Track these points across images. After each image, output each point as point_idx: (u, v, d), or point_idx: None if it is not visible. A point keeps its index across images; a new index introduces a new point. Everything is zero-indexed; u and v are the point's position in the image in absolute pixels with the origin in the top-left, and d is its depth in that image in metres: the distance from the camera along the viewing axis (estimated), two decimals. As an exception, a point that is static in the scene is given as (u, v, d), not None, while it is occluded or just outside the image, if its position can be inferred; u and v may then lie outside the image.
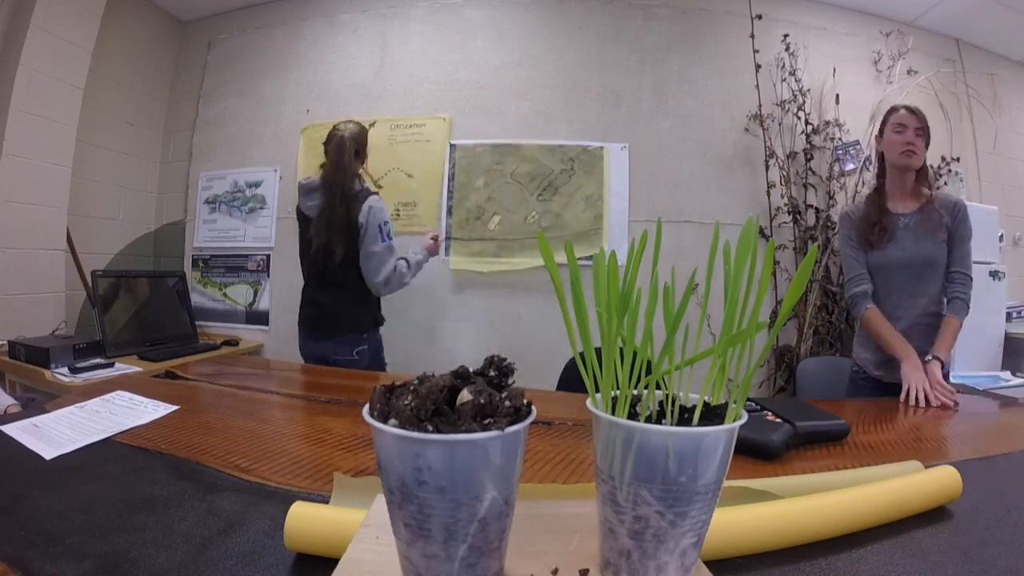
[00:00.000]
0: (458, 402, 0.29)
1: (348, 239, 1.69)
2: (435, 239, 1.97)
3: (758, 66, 2.40)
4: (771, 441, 0.67)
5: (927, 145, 1.41)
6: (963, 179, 2.67)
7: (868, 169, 2.51)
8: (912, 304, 1.38)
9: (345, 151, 1.72)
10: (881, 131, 1.48)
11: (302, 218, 1.80)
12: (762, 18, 2.40)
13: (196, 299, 2.70)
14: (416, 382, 0.31)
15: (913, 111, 1.41)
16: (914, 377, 1.19)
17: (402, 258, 1.80)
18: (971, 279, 1.37)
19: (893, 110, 1.45)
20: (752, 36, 2.38)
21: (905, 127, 1.38)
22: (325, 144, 1.76)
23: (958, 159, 2.66)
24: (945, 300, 1.38)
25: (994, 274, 2.16)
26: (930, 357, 1.26)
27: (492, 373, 0.32)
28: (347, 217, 1.68)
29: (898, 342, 1.31)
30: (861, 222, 1.45)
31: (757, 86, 2.40)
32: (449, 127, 2.46)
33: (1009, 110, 2.81)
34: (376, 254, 1.70)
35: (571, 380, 1.76)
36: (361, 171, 1.79)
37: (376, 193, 1.76)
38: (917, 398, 1.14)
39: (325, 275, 1.75)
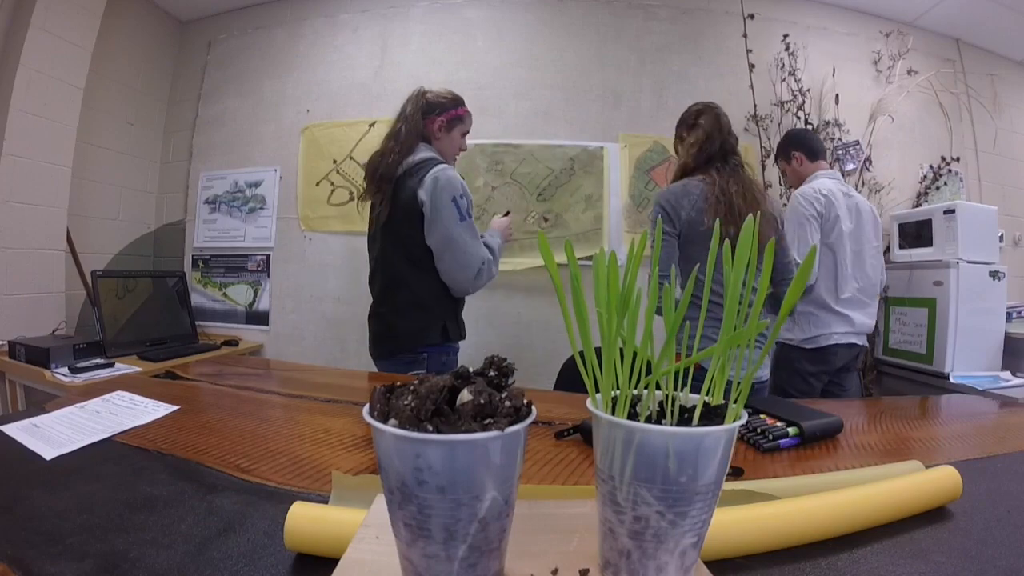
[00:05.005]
0: (458, 402, 0.29)
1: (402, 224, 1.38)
2: (507, 215, 1.69)
3: (752, 66, 2.40)
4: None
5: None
6: (963, 179, 2.67)
7: (868, 169, 2.51)
8: None
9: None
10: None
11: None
12: (754, 17, 2.41)
13: (196, 299, 2.70)
14: (416, 382, 0.31)
15: None
16: None
17: (485, 244, 1.47)
18: None
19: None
20: (745, 36, 2.38)
21: None
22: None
23: (958, 159, 2.66)
24: None
25: (994, 274, 2.16)
26: None
27: (492, 373, 0.32)
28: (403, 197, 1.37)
29: None
30: None
31: (751, 86, 2.41)
32: (449, 127, 2.45)
33: (1009, 110, 2.81)
34: (457, 239, 1.35)
35: (569, 379, 1.77)
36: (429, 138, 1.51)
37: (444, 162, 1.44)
38: None
39: (378, 278, 1.48)
